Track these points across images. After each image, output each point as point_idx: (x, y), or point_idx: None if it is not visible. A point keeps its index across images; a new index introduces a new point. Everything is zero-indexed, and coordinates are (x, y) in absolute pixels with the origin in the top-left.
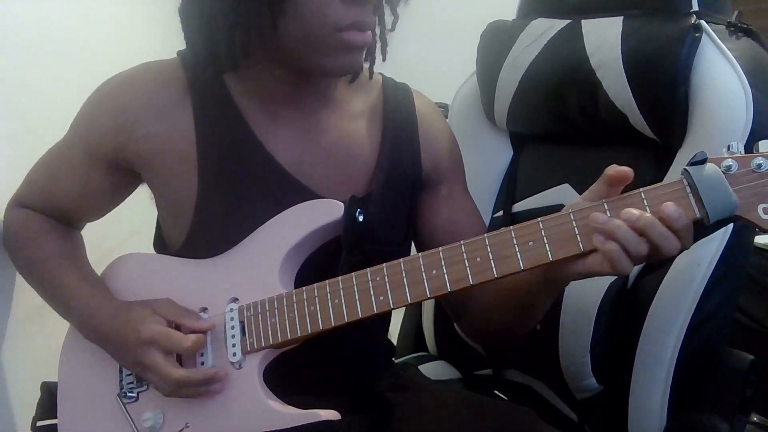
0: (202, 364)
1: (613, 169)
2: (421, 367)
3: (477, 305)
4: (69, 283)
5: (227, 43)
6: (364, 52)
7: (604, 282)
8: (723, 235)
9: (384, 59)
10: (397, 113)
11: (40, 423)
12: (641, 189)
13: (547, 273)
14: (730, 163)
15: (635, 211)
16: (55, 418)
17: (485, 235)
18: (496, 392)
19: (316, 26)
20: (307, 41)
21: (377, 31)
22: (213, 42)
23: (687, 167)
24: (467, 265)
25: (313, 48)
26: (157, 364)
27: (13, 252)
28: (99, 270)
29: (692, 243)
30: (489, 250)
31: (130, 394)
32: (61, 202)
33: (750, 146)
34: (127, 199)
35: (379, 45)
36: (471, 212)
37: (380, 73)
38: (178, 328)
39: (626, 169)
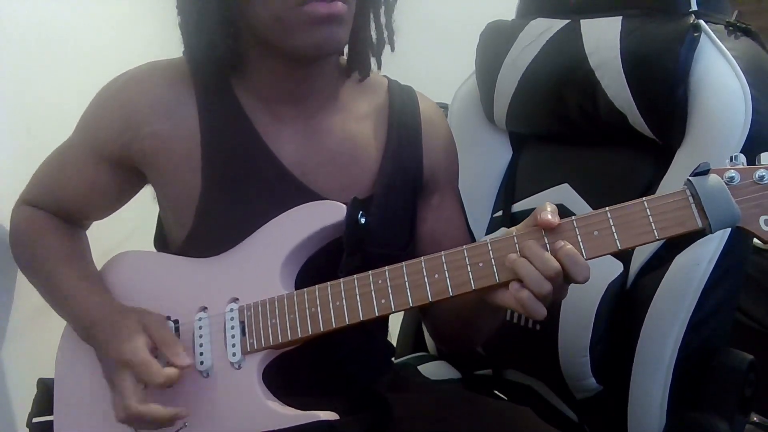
0: (201, 363)
1: (541, 215)
2: (420, 367)
3: (435, 311)
4: (67, 282)
5: (219, 45)
6: (341, 28)
7: (603, 282)
8: (722, 234)
9: (393, 50)
10: (403, 116)
11: (36, 419)
12: (644, 198)
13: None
14: (733, 175)
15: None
16: (51, 414)
17: (488, 239)
18: (496, 392)
19: (277, 2)
20: (275, 21)
21: (383, 20)
22: (208, 46)
23: (690, 177)
24: (470, 269)
25: (281, 27)
26: (123, 388)
27: (17, 250)
28: (98, 267)
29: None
30: (491, 255)
31: None
32: (68, 201)
33: (749, 146)
34: None
35: (385, 34)
36: (457, 225)
37: (385, 76)
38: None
39: (551, 222)
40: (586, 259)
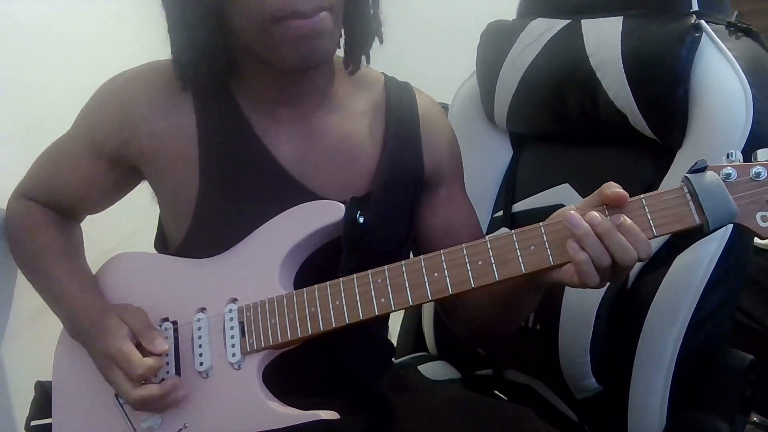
0: (201, 364)
1: (611, 190)
2: (421, 367)
3: (464, 304)
4: (60, 277)
5: (209, 59)
6: (326, 40)
7: None
8: (723, 234)
9: (381, 42)
10: (400, 112)
11: (34, 422)
12: (642, 195)
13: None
14: (730, 171)
15: (597, 216)
16: (50, 417)
17: (487, 238)
18: (496, 392)
19: (254, 19)
20: (255, 36)
21: (371, 11)
22: (198, 58)
23: (687, 174)
24: (469, 268)
25: (262, 42)
26: (117, 382)
27: (13, 243)
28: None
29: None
30: (491, 253)
31: None
32: (63, 195)
33: (750, 146)
34: (128, 199)
35: (373, 26)
36: (468, 213)
37: (382, 73)
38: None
39: (623, 194)
40: None
